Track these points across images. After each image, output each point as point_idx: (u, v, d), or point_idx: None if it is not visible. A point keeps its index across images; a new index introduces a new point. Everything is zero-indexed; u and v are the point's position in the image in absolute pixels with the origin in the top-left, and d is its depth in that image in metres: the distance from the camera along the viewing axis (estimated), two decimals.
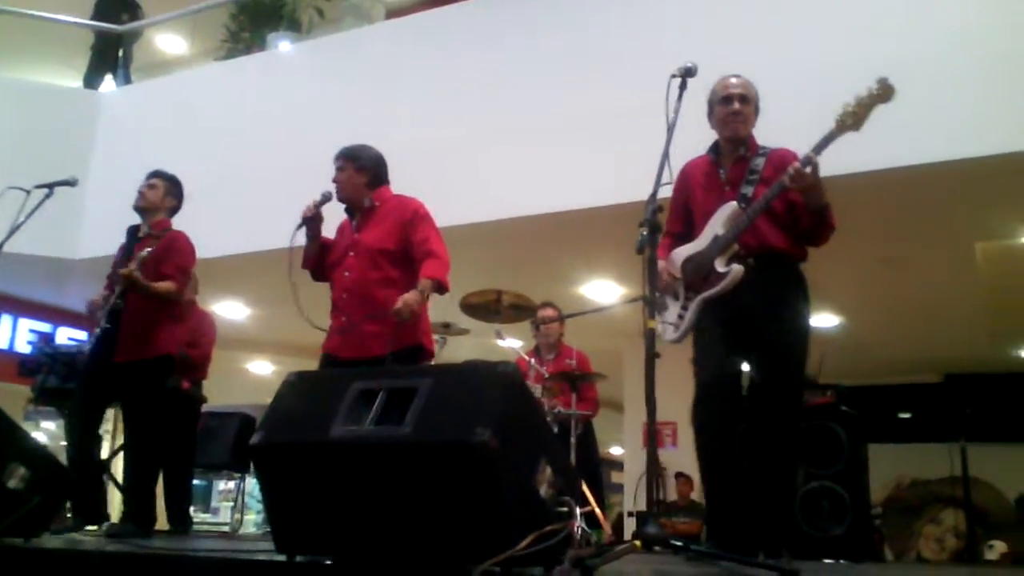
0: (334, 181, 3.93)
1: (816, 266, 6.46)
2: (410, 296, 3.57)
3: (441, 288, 3.69)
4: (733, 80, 3.34)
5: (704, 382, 3.18)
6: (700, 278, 3.18)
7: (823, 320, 7.79)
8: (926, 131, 4.68)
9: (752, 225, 3.15)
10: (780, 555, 2.93)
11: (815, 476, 4.23)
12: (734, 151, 3.31)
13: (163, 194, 4.43)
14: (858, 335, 8.08)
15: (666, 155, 2.99)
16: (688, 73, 3.11)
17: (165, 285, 4.18)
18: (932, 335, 8.05)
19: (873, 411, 5.30)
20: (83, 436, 4.19)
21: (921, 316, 7.53)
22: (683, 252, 3.28)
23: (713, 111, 3.35)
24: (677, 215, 3.41)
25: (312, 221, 3.87)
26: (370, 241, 3.81)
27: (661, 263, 3.22)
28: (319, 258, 3.94)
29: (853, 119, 3.03)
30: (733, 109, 3.28)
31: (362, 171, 3.91)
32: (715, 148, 3.38)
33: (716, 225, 3.19)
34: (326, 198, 3.90)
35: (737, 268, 3.09)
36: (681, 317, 3.22)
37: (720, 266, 3.13)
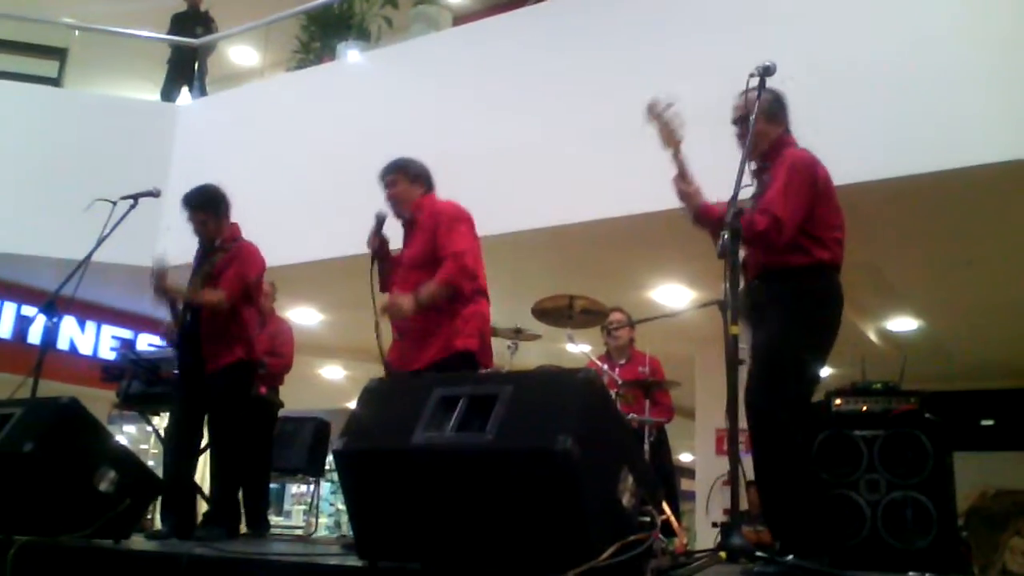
0: (388, 197, 3.89)
1: (894, 269, 6.35)
2: (401, 298, 3.55)
3: (450, 288, 3.59)
4: (733, 104, 3.30)
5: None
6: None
7: (902, 324, 7.59)
8: (1008, 128, 4.54)
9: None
10: (822, 559, 2.83)
11: (898, 486, 4.09)
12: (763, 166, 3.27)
13: (213, 224, 4.40)
14: (939, 339, 7.85)
15: (746, 156, 2.96)
16: (767, 72, 3.08)
17: (212, 295, 4.21)
18: (1016, 339, 7.78)
19: (956, 418, 5.13)
20: (179, 453, 4.27)
21: (1004, 319, 7.29)
22: None
23: None
24: None
25: (379, 249, 3.87)
26: (409, 256, 3.81)
27: None
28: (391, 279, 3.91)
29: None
30: (737, 134, 3.25)
31: (416, 181, 3.90)
32: None
33: None
34: (381, 220, 3.87)
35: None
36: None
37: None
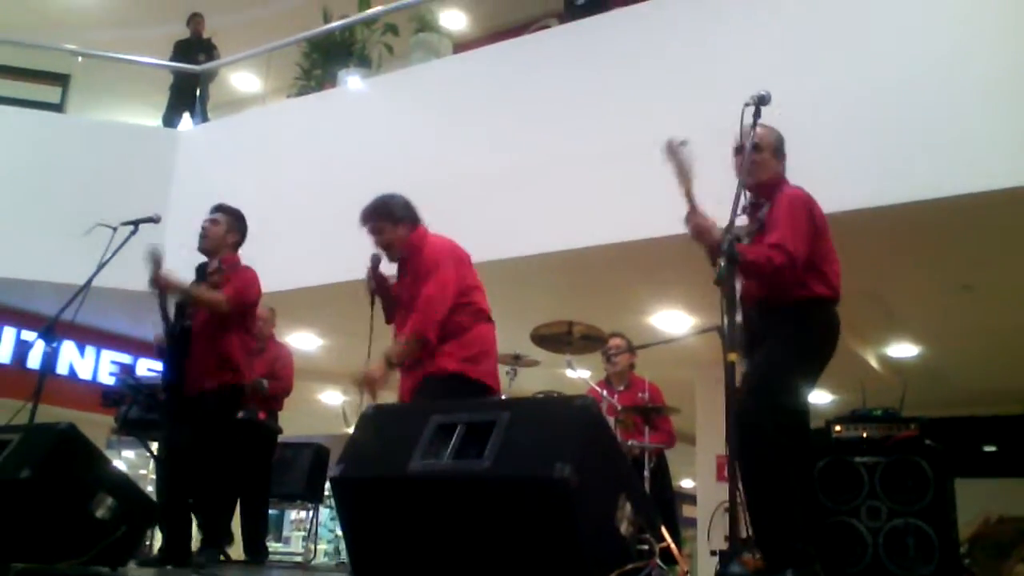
0: (377, 244, 3.79)
1: (894, 295, 6.34)
2: (373, 370, 3.51)
3: (419, 341, 3.52)
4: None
5: None
6: None
7: (902, 350, 7.58)
8: (1009, 155, 4.56)
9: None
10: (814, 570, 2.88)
11: (899, 513, 4.07)
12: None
13: (225, 229, 4.42)
14: (939, 365, 7.84)
15: (742, 184, 2.97)
16: (762, 101, 3.09)
17: (212, 294, 4.14)
18: (1018, 364, 7.76)
19: (958, 444, 5.12)
20: (171, 477, 4.19)
21: (1006, 344, 7.28)
22: None
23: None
24: None
25: (378, 288, 3.82)
26: (404, 299, 3.77)
27: None
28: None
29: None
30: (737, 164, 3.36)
31: (401, 222, 3.79)
32: None
33: None
34: (376, 262, 3.83)
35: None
36: None
37: None
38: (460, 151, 6.30)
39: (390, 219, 3.77)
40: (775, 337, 3.12)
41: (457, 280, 3.68)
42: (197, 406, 4.13)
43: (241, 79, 10.55)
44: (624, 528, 2.19)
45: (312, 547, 7.83)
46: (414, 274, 3.72)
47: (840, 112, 5.00)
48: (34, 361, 7.66)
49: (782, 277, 3.06)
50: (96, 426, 6.70)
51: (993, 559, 8.17)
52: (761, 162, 3.27)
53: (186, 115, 8.91)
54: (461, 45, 8.23)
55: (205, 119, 8.85)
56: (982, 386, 8.50)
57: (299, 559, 8.01)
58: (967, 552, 6.59)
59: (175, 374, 4.21)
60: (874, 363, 7.68)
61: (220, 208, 4.50)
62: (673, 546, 4.52)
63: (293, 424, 6.29)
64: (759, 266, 3.03)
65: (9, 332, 8.11)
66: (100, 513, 3.05)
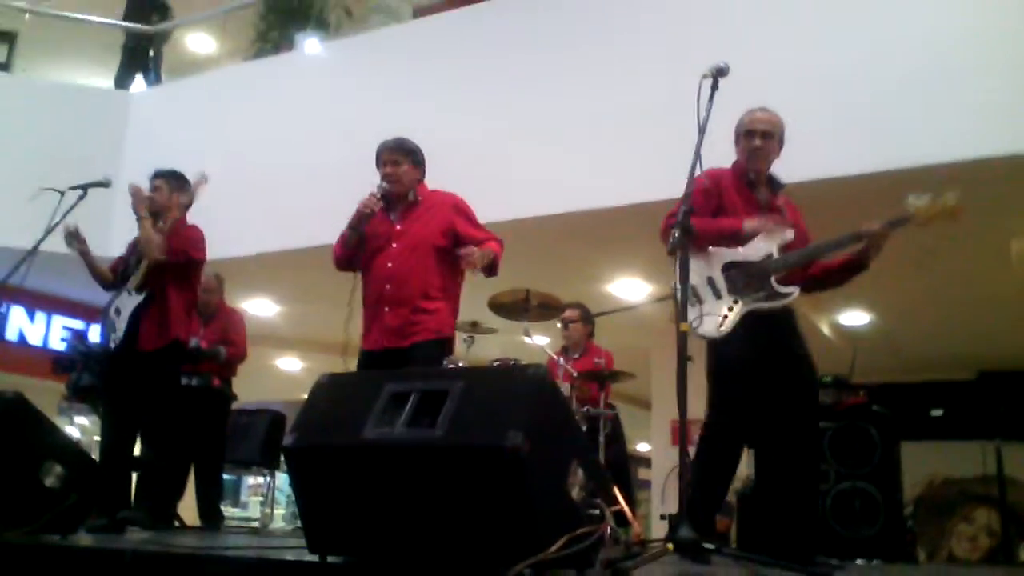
0: (388, 174, 3.86)
1: None
2: (480, 251, 3.69)
3: (494, 268, 3.80)
4: (758, 114, 3.45)
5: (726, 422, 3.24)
6: (751, 288, 3.23)
7: (854, 318, 7.72)
8: (957, 129, 4.63)
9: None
10: (815, 559, 2.97)
11: (847, 476, 4.20)
12: (764, 181, 3.46)
13: (169, 192, 4.39)
14: (889, 332, 7.99)
15: (698, 155, 2.99)
16: (719, 73, 3.10)
17: (153, 232, 4.22)
18: (965, 332, 7.95)
19: (905, 409, 5.25)
20: (117, 431, 4.21)
21: (954, 313, 7.44)
22: (725, 254, 3.31)
23: (739, 141, 3.45)
24: (707, 212, 3.43)
25: (371, 216, 3.81)
26: (421, 234, 3.83)
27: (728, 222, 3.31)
28: (356, 250, 3.89)
29: (917, 221, 3.34)
30: (754, 145, 3.39)
31: (418, 166, 3.95)
32: (743, 168, 3.46)
33: (771, 244, 3.29)
34: (384, 191, 3.85)
35: (797, 292, 3.24)
36: (726, 317, 3.24)
37: (778, 286, 3.23)
38: (417, 118, 6.21)
39: (412, 158, 3.93)
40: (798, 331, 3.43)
41: None
42: (141, 365, 4.12)
43: (196, 40, 10.30)
44: (576, 494, 2.21)
45: (269, 512, 7.83)
46: (439, 216, 3.87)
47: (793, 85, 5.03)
48: None
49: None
50: (47, 393, 6.59)
51: (937, 519, 8.43)
52: (769, 151, 3.41)
53: (139, 77, 8.69)
54: (421, 10, 8.13)
55: (159, 81, 8.65)
56: (931, 353, 8.70)
57: (256, 524, 7.99)
58: (912, 513, 6.79)
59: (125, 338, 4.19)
60: (826, 330, 7.82)
61: (157, 175, 4.46)
62: (627, 509, 4.60)
63: (249, 391, 6.26)
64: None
65: None
66: (49, 482, 3.03)
